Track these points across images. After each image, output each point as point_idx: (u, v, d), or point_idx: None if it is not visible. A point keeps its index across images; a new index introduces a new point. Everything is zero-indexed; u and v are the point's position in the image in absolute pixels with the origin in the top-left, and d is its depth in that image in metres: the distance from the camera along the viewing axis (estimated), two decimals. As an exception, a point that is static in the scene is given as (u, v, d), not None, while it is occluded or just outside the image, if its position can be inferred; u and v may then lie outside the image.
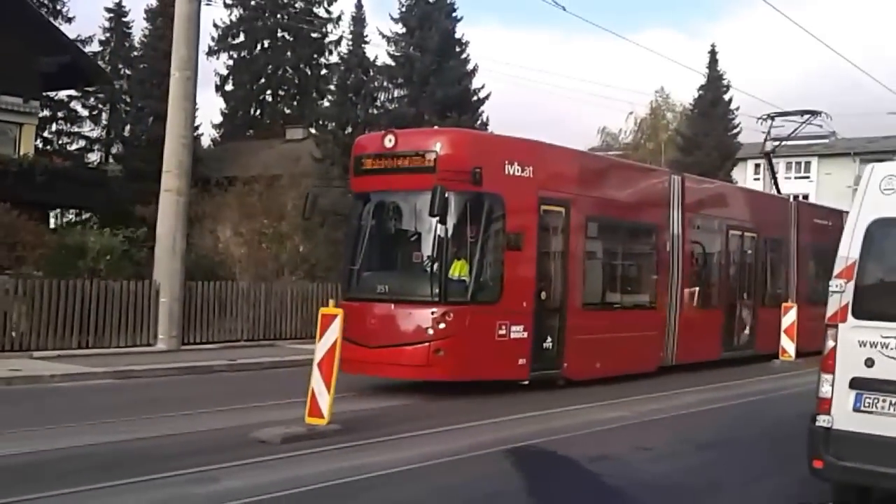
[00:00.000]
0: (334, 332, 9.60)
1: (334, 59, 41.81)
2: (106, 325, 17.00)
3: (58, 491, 7.04)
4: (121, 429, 9.87)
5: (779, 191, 25.77)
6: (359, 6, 37.35)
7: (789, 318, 18.98)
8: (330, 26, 42.72)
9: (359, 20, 37.62)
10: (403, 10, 36.61)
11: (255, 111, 45.94)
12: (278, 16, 43.76)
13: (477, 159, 12.92)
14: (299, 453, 8.78)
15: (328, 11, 43.22)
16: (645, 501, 7.76)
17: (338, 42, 41.54)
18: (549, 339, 13.72)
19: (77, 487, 7.23)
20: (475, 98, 36.46)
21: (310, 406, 9.58)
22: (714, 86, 42.14)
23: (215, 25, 42.63)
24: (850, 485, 6.86)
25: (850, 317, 6.79)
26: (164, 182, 18.24)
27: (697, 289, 17.91)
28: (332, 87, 39.09)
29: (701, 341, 17.61)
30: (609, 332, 14.75)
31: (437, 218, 12.28)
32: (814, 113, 24.49)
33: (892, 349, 6.57)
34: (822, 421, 6.74)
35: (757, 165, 54.05)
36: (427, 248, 13.02)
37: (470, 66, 36.32)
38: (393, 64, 36.61)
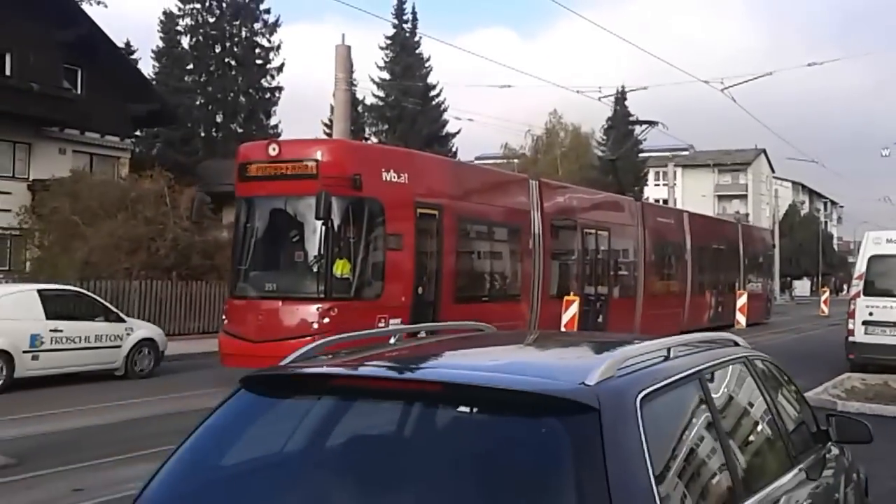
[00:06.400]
0: (573, 309, 18.20)
1: (275, 83, 47.14)
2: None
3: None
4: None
5: (623, 192, 27.29)
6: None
7: (742, 300, 28.91)
8: (271, 54, 47.46)
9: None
10: (388, 60, 45.22)
11: (214, 132, 50.87)
12: (226, 45, 47.73)
13: (356, 167, 13.80)
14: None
15: (269, 41, 47.71)
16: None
17: (279, 69, 46.75)
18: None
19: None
20: (445, 133, 45.43)
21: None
22: (623, 121, 52.64)
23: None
24: (859, 364, 16.08)
25: (862, 295, 16.37)
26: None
27: (557, 281, 19.42)
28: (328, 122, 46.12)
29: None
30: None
31: (322, 221, 13.09)
32: (651, 123, 26.82)
33: (880, 308, 16.12)
34: (851, 338, 16.27)
35: (656, 173, 66.51)
36: (312, 249, 13.72)
37: (442, 107, 45.27)
38: (382, 104, 45.04)
